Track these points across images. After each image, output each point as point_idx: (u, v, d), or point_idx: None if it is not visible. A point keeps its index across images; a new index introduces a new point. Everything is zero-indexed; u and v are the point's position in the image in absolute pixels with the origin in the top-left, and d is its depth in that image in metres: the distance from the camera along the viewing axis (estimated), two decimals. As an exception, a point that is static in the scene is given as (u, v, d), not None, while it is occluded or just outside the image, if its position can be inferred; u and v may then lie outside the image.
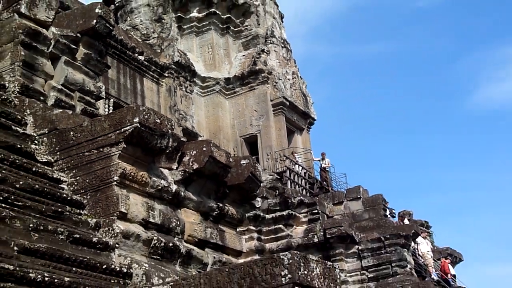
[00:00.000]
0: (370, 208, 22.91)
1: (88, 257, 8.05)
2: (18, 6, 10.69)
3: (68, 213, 8.70)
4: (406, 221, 24.63)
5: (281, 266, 7.35)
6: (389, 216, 23.80)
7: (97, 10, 11.53)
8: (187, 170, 9.96)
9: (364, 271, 20.91)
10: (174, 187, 9.81)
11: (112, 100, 21.48)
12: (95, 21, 11.28)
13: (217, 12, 27.41)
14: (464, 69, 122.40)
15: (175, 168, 9.93)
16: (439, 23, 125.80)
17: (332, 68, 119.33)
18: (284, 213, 21.69)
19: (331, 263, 9.04)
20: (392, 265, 20.56)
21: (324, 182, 26.07)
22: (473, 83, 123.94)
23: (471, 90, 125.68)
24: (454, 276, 25.05)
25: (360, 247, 21.11)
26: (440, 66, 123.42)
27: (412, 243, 22.63)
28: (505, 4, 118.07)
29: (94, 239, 8.50)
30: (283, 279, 7.25)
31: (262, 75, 26.71)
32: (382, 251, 20.86)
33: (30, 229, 7.63)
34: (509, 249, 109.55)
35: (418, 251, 23.11)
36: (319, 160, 27.15)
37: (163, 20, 26.69)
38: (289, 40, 29.48)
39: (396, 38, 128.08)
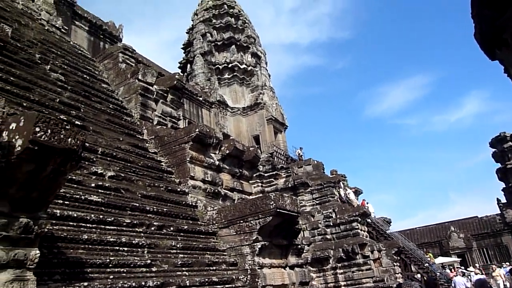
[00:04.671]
0: (316, 169, 22.80)
1: (175, 198, 8.10)
2: (137, 76, 10.69)
3: (165, 176, 8.73)
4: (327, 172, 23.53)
5: (270, 199, 7.37)
6: (326, 172, 23.55)
7: (176, 76, 11.53)
8: (223, 153, 9.95)
9: (314, 200, 20.83)
10: (217, 162, 9.80)
11: (187, 120, 21.52)
12: (175, 82, 11.27)
13: (237, 75, 27.33)
14: (361, 97, 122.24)
15: (217, 153, 9.91)
16: (347, 75, 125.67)
17: (294, 99, 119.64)
18: (273, 173, 21.64)
19: (295, 197, 9.05)
20: (328, 196, 20.51)
21: (299, 159, 25.33)
22: (366, 105, 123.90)
23: (364, 108, 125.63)
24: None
25: (311, 188, 21.06)
26: (348, 96, 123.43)
27: (341, 185, 22.29)
28: (380, 65, 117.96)
29: (178, 189, 8.54)
30: (271, 206, 7.27)
31: (261, 105, 26.66)
32: (322, 190, 20.77)
33: (146, 185, 7.66)
34: (386, 186, 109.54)
35: (348, 195, 22.30)
36: (299, 150, 26.63)
37: (211, 80, 26.61)
38: (273, 87, 29.42)
39: (325, 85, 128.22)
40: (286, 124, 29.07)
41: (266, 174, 21.49)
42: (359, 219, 18.66)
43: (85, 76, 9.88)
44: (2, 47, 4.82)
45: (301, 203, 19.52)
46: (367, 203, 24.39)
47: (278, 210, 7.25)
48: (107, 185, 6.50)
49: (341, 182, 22.26)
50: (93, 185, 6.24)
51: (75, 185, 5.93)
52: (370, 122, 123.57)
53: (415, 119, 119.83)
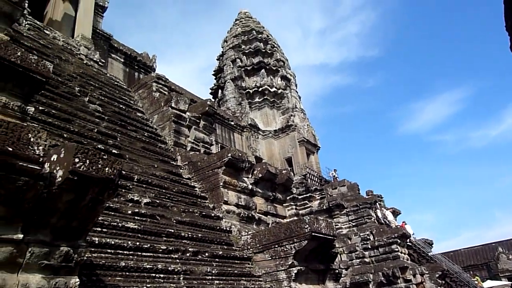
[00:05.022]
0: (351, 190, 22.31)
1: (209, 223, 8.11)
2: (170, 103, 10.99)
3: (199, 202, 8.79)
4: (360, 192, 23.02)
5: (304, 223, 7.24)
6: (361, 193, 22.98)
7: (208, 103, 11.76)
8: (256, 177, 9.93)
9: (350, 222, 20.28)
10: (250, 186, 9.79)
11: (219, 145, 21.77)
12: (207, 108, 11.48)
13: (268, 98, 27.59)
14: (394, 115, 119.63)
15: (250, 177, 9.91)
16: (378, 93, 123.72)
17: (325, 120, 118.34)
18: (307, 195, 21.34)
19: (330, 220, 8.84)
20: (364, 218, 19.93)
21: (334, 181, 24.92)
22: (400, 122, 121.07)
23: (397, 126, 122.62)
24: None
25: (347, 210, 20.55)
26: (381, 114, 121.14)
27: (377, 206, 21.70)
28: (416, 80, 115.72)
29: (212, 214, 8.56)
30: (305, 229, 7.14)
31: (292, 127, 26.65)
32: (358, 211, 20.21)
33: (180, 211, 7.74)
34: (425, 205, 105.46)
35: (386, 216, 21.74)
36: (333, 172, 26.31)
37: (241, 104, 26.99)
38: (304, 108, 29.40)
39: (356, 104, 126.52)
40: (318, 145, 28.84)
41: (300, 197, 21.23)
42: (399, 241, 17.96)
43: (121, 106, 10.25)
44: (45, 82, 5.10)
45: (337, 225, 19.05)
46: (405, 224, 23.52)
47: (313, 233, 7.10)
48: (143, 212, 6.61)
49: (377, 203, 21.62)
50: (129, 212, 6.36)
51: (112, 213, 6.07)
52: (404, 140, 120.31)
53: (452, 135, 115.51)
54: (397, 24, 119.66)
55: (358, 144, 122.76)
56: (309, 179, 24.25)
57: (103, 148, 7.42)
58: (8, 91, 4.94)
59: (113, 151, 7.75)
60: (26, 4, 9.35)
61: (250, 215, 9.45)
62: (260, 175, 9.92)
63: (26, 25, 10.87)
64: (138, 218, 6.42)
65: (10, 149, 2.98)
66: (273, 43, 29.96)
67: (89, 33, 13.71)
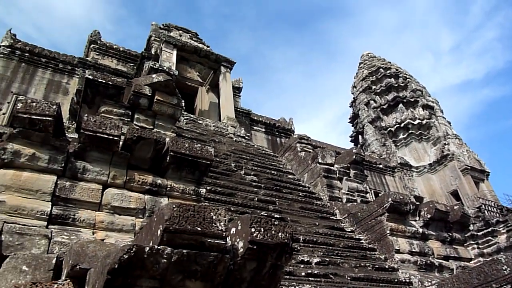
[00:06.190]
0: (546, 216, 18.46)
1: (386, 276, 7.55)
2: (317, 160, 11.14)
3: (368, 254, 8.34)
4: None
5: (501, 264, 6.16)
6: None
7: (354, 151, 11.57)
8: (424, 219, 9.07)
9: (557, 256, 16.52)
10: (420, 230, 8.93)
11: (373, 191, 20.89)
12: (354, 156, 11.27)
13: (413, 132, 25.87)
14: None
15: (418, 219, 9.11)
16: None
17: (486, 139, 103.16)
18: (488, 230, 18.37)
19: (533, 256, 7.37)
20: None
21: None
22: None
23: None
24: None
25: (548, 241, 16.87)
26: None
27: None
28: None
29: (386, 266, 7.98)
30: (505, 271, 6.05)
31: (449, 157, 24.10)
32: None
33: (352, 266, 7.43)
34: None
35: None
36: None
37: (386, 144, 25.85)
38: (458, 133, 26.50)
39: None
40: (487, 171, 25.20)
41: (479, 233, 18.39)
42: None
43: (273, 172, 10.84)
44: (209, 165, 5.76)
45: (540, 261, 15.72)
46: None
47: (516, 275, 5.96)
48: (315, 272, 6.56)
49: None
50: (303, 273, 6.39)
51: (287, 276, 6.18)
52: None
53: None
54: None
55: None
56: (485, 211, 21.01)
57: (266, 214, 7.82)
58: (183, 179, 5.73)
59: (275, 215, 8.09)
60: (183, 103, 11.02)
61: (428, 262, 8.51)
62: (428, 216, 9.05)
63: (184, 120, 12.73)
64: (312, 279, 6.38)
65: (199, 229, 3.36)
66: (405, 75, 28.64)
67: (232, 114, 15.30)
